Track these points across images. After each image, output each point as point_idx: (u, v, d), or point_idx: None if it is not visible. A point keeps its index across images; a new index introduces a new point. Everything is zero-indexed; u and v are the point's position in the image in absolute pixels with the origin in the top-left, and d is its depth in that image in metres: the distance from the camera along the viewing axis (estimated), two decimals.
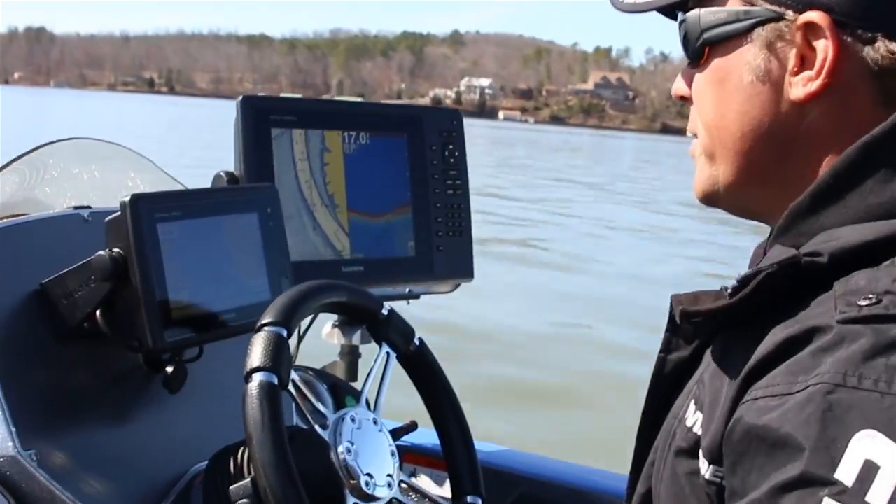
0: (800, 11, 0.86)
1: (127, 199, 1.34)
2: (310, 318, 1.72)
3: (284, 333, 1.27)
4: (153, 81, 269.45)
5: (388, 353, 1.53)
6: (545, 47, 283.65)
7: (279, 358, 1.24)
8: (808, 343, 0.77)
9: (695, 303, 0.92)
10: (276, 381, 1.23)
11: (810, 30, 0.86)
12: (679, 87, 1.00)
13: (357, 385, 1.96)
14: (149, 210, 1.36)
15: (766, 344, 0.80)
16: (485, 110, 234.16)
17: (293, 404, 1.37)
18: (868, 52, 0.84)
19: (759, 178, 0.94)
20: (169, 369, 1.45)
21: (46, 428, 1.35)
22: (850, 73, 0.85)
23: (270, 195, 1.57)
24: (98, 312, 1.39)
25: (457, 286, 2.09)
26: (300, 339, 1.95)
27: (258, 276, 1.53)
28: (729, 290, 0.87)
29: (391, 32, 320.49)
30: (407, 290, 2.04)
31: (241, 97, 1.76)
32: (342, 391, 1.90)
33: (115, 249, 1.35)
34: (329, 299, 1.41)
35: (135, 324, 1.36)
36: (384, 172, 1.93)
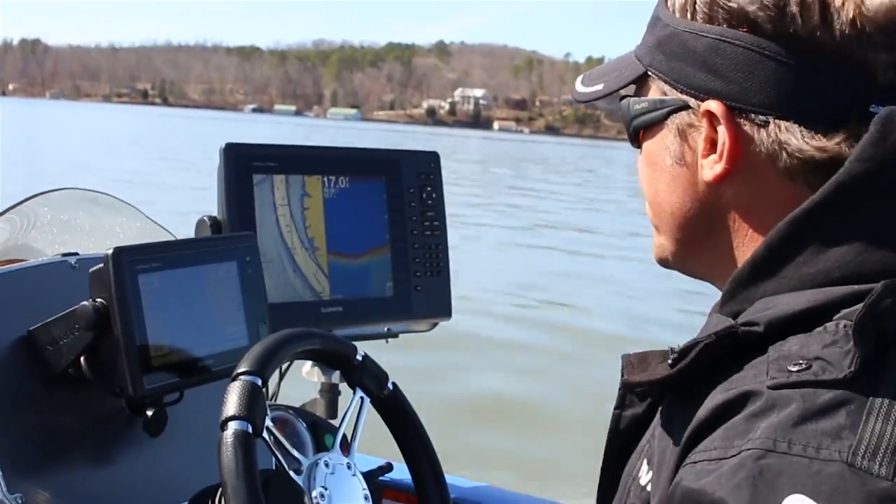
0: (701, 100, 0.92)
1: (110, 252, 1.41)
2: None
3: (259, 382, 1.33)
4: (147, 93, 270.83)
5: (361, 398, 1.58)
6: (536, 58, 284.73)
7: (253, 407, 1.30)
8: (742, 407, 0.80)
9: (643, 363, 0.98)
10: (250, 429, 1.28)
11: (712, 117, 0.91)
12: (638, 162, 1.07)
13: (337, 422, 2.01)
14: (130, 262, 1.42)
15: (705, 408, 0.84)
16: (479, 121, 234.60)
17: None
18: (763, 135, 0.89)
19: (696, 248, 1.00)
20: (150, 413, 1.51)
21: (32, 471, 1.40)
22: (751, 154, 0.90)
23: (249, 244, 1.63)
24: (82, 359, 1.46)
25: (435, 325, 2.14)
26: (281, 377, 2.01)
27: (237, 323, 1.60)
28: (670, 360, 0.91)
29: (374, 43, 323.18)
30: (385, 329, 2.10)
31: (224, 144, 1.82)
32: (321, 429, 1.95)
33: (99, 299, 1.42)
34: (303, 347, 1.46)
35: (116, 371, 1.42)
36: (363, 215, 1.98)
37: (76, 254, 1.60)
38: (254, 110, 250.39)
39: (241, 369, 1.33)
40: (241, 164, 1.82)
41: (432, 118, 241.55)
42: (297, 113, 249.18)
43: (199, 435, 1.61)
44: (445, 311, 2.11)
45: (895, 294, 0.78)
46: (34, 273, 1.55)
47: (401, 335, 2.14)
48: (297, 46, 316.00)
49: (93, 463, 1.51)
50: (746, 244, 0.94)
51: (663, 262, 1.06)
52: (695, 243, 1.00)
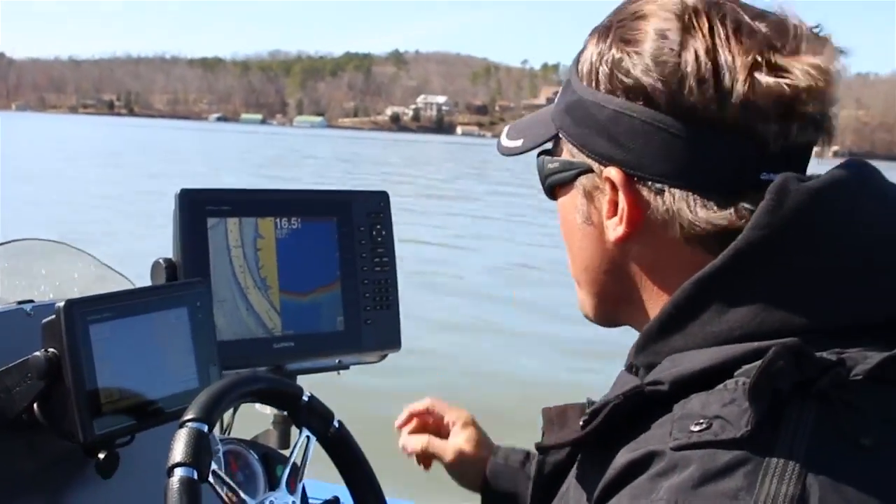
0: (604, 165, 0.98)
1: (61, 304, 1.47)
2: None
3: (205, 429, 1.40)
4: (113, 103, 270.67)
5: (308, 437, 1.65)
6: (493, 65, 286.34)
7: (199, 453, 1.36)
8: (647, 467, 0.83)
9: (562, 418, 1.04)
10: (195, 475, 1.35)
11: (613, 182, 0.97)
12: None
13: (289, 452, 2.07)
14: (81, 314, 1.48)
15: (613, 467, 0.88)
16: (443, 126, 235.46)
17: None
18: (659, 202, 0.94)
19: (612, 302, 1.06)
20: (102, 455, 1.56)
21: None
22: (650, 218, 0.96)
23: (200, 290, 1.70)
24: (35, 405, 1.52)
25: (384, 356, 2.21)
26: (234, 410, 2.07)
27: (187, 366, 1.66)
28: (581, 422, 0.95)
29: (330, 53, 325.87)
30: (337, 361, 2.17)
31: (179, 190, 1.88)
32: (274, 461, 2.01)
33: (51, 350, 1.48)
34: (250, 390, 1.53)
35: (67, 417, 1.48)
36: (315, 254, 2.05)
37: (31, 301, 1.66)
38: (218, 119, 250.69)
39: (188, 416, 1.40)
40: (196, 209, 1.89)
41: (397, 124, 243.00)
42: (264, 121, 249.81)
43: (152, 475, 1.66)
44: (395, 343, 2.18)
45: (787, 356, 0.81)
46: None
47: (352, 367, 2.21)
48: (255, 57, 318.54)
49: None
50: (655, 300, 0.99)
51: (587, 316, 1.11)
52: (610, 297, 1.05)
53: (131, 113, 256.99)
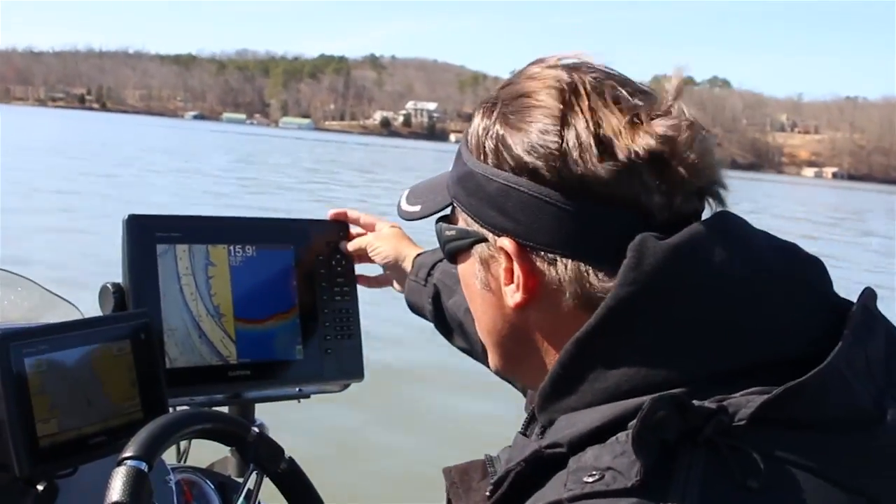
0: (498, 235, 1.00)
1: None
2: None
3: (144, 467, 1.36)
4: (84, 97, 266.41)
5: (256, 474, 1.62)
6: (481, 74, 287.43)
7: (138, 493, 1.33)
8: None
9: (465, 479, 1.05)
10: None
11: (507, 252, 0.99)
12: None
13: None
14: (16, 346, 1.45)
15: None
16: (434, 133, 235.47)
17: None
18: (552, 271, 0.97)
19: (515, 364, 1.08)
20: (40, 488, 1.53)
21: None
22: (546, 285, 0.98)
23: (143, 321, 1.66)
24: None
25: (347, 385, 2.18)
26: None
27: (131, 398, 1.63)
28: (487, 492, 0.97)
29: (300, 55, 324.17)
30: (297, 390, 2.13)
31: (126, 215, 1.85)
32: (230, 490, 1.98)
33: None
34: (193, 428, 1.49)
35: (3, 451, 1.44)
36: (270, 282, 2.02)
37: None
38: (195, 117, 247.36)
39: (126, 454, 1.37)
40: (145, 235, 1.86)
41: (387, 129, 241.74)
42: (247, 122, 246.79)
43: None
44: (358, 373, 2.14)
45: (665, 406, 0.83)
46: None
47: (313, 396, 2.17)
48: (222, 55, 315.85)
49: None
50: (553, 362, 0.99)
51: (496, 373, 1.14)
52: (513, 359, 1.07)
53: (104, 108, 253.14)
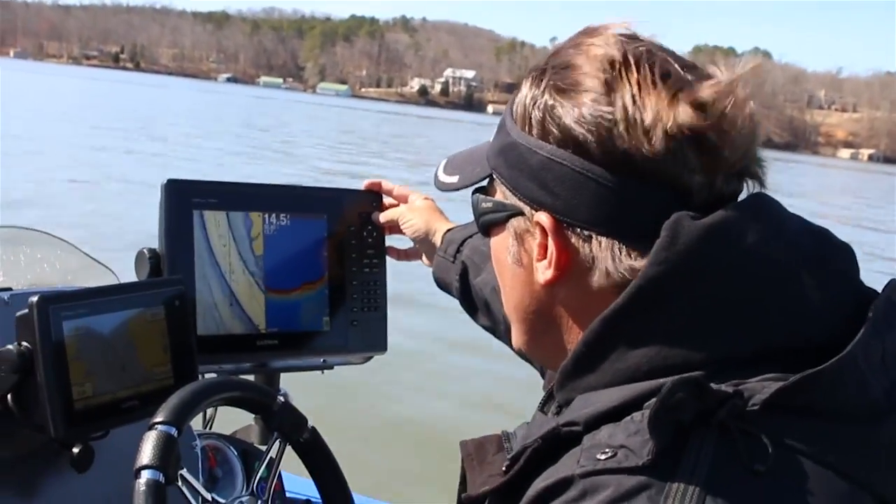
0: (535, 209, 1.00)
1: (34, 299, 1.46)
2: None
3: (174, 432, 1.39)
4: (118, 56, 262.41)
5: (279, 442, 1.65)
6: (518, 41, 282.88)
7: (167, 457, 1.36)
8: (558, 494, 0.87)
9: (480, 452, 1.07)
10: (162, 478, 1.35)
11: (543, 227, 0.99)
12: None
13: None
14: (55, 310, 1.47)
15: (528, 495, 0.92)
16: (472, 103, 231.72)
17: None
18: (587, 248, 0.97)
19: (539, 341, 1.08)
20: (76, 450, 1.56)
21: None
22: (580, 263, 0.98)
23: (178, 288, 1.68)
24: (9, 396, 1.51)
25: (369, 358, 2.20)
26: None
27: (163, 364, 1.65)
28: (504, 467, 0.98)
29: (325, 14, 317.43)
30: (322, 361, 2.15)
31: (165, 180, 1.86)
32: (253, 457, 2.01)
33: (24, 343, 1.47)
34: (221, 395, 1.52)
35: (39, 412, 1.47)
36: (302, 251, 2.03)
37: (10, 289, 1.65)
38: (228, 80, 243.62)
39: (157, 419, 1.40)
40: (182, 200, 1.87)
41: (424, 98, 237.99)
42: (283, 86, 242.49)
43: (127, 469, 1.66)
44: (381, 346, 2.16)
45: (684, 388, 0.84)
46: None
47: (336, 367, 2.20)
48: (248, 13, 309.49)
49: (20, 495, 1.57)
50: (577, 342, 1.00)
51: (518, 352, 1.15)
52: (537, 336, 1.08)
53: (137, 67, 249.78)
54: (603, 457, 0.85)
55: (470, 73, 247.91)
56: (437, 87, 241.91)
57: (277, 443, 1.66)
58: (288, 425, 1.63)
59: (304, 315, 2.04)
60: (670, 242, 0.90)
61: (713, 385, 0.86)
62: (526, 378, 1.70)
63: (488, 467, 1.07)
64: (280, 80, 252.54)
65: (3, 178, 14.70)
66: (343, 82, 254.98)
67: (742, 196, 0.97)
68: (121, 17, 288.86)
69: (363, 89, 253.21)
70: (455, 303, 1.95)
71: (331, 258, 2.07)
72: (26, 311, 1.47)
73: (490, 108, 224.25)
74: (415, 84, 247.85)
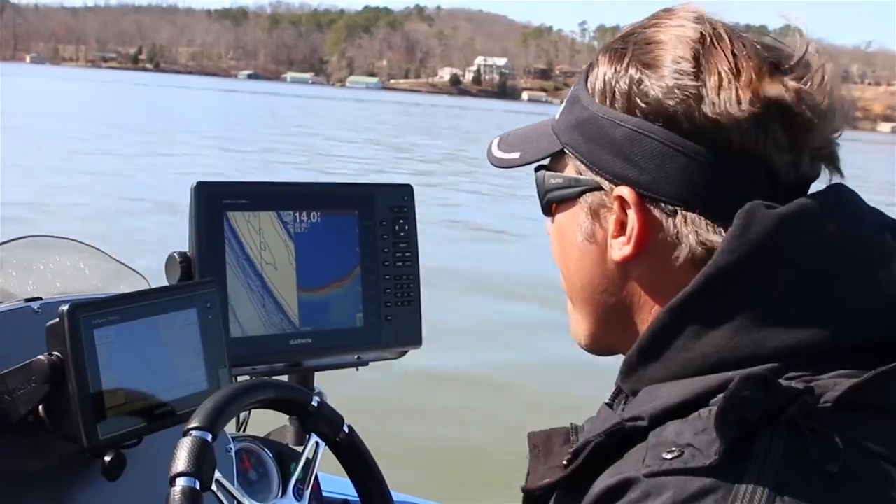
0: (615, 184, 0.97)
1: (65, 308, 1.44)
2: None
3: (209, 437, 1.38)
4: (137, 57, 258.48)
5: (317, 443, 1.63)
6: (545, 26, 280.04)
7: (202, 463, 1.35)
8: (622, 495, 0.85)
9: (547, 446, 1.04)
10: (197, 485, 1.33)
11: (623, 201, 0.96)
12: (547, 229, 1.11)
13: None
14: (86, 318, 1.46)
15: (591, 494, 0.89)
16: (506, 91, 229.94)
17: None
18: (670, 223, 0.94)
19: (605, 323, 1.04)
20: (108, 458, 1.55)
21: None
22: (659, 239, 0.95)
23: (209, 290, 1.67)
24: (40, 407, 1.50)
25: (404, 353, 2.18)
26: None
27: (196, 369, 1.64)
28: (565, 461, 0.96)
29: (333, 6, 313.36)
30: (356, 358, 2.14)
31: (195, 183, 1.85)
32: (288, 459, 1.99)
33: (55, 353, 1.46)
34: (256, 398, 1.51)
35: (71, 421, 1.46)
36: (334, 248, 2.02)
37: (39, 298, 1.64)
38: (249, 76, 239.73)
39: (191, 425, 1.38)
40: (213, 203, 1.86)
41: (457, 87, 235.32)
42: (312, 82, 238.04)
43: (160, 477, 1.65)
44: (416, 340, 2.14)
45: (752, 385, 0.82)
46: None
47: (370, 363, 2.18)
48: (256, 8, 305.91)
49: None
50: (649, 320, 0.98)
51: (580, 344, 1.10)
52: (604, 318, 1.04)
53: (157, 68, 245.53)
54: (669, 456, 0.83)
55: (501, 61, 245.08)
56: (468, 76, 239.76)
57: (314, 444, 1.64)
58: (324, 425, 1.61)
59: (337, 312, 2.02)
60: (742, 231, 0.88)
61: (782, 381, 0.84)
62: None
63: (553, 460, 1.03)
64: (308, 76, 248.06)
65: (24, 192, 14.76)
66: (372, 74, 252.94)
67: (820, 182, 0.96)
68: (130, 18, 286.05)
69: (392, 81, 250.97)
70: None
71: (363, 254, 2.05)
72: (57, 320, 1.45)
73: (525, 95, 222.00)
74: (445, 73, 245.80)
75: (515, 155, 1.11)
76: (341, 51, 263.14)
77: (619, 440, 0.90)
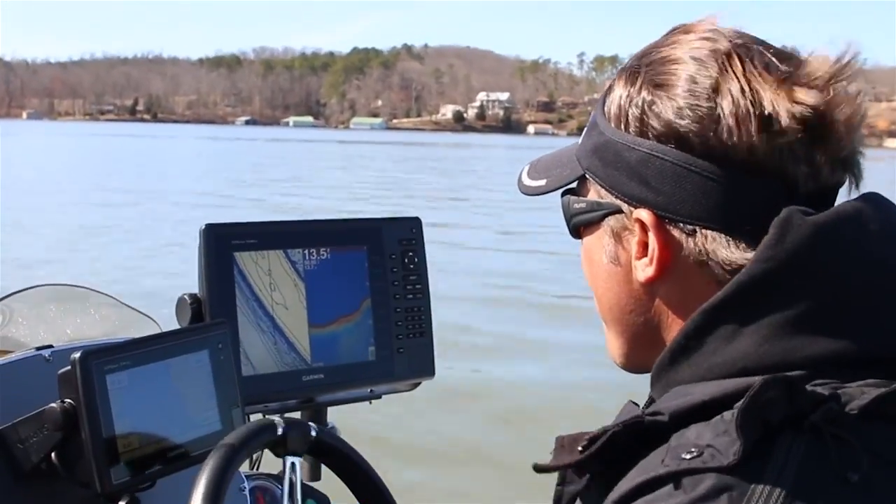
0: (634, 207, 0.98)
1: (77, 355, 1.45)
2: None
3: None
4: (134, 109, 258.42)
5: (292, 463, 1.61)
6: (541, 60, 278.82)
7: None
8: (642, 494, 0.85)
9: (574, 442, 1.02)
10: None
11: (643, 224, 0.97)
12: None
13: (320, 485, 2.05)
14: (98, 364, 1.47)
15: (612, 496, 0.89)
16: (511, 125, 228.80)
17: None
18: (691, 243, 0.95)
19: (636, 342, 1.05)
20: (122, 503, 1.55)
21: None
22: (681, 259, 0.96)
23: (221, 332, 1.67)
24: (53, 454, 1.50)
25: (417, 385, 2.18)
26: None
27: (209, 410, 1.64)
28: (580, 447, 0.94)
29: (318, 49, 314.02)
30: (369, 391, 2.14)
31: (204, 225, 1.86)
32: (303, 494, 1.99)
33: (67, 400, 1.47)
34: (236, 462, 1.46)
35: (85, 468, 1.47)
36: (344, 284, 2.02)
37: (51, 346, 1.65)
38: (247, 122, 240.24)
39: None
40: (221, 244, 1.86)
41: (461, 124, 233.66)
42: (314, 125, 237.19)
43: None
44: (429, 371, 2.14)
45: (774, 388, 0.82)
46: (9, 369, 1.60)
47: (384, 396, 2.18)
48: (239, 54, 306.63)
49: None
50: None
51: (615, 362, 1.10)
52: (635, 337, 1.05)
53: (155, 118, 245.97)
54: (688, 456, 0.83)
55: (504, 95, 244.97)
56: (471, 112, 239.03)
57: (290, 465, 1.61)
58: (294, 442, 1.58)
59: (349, 346, 2.03)
60: (778, 240, 0.88)
61: (808, 387, 0.84)
62: None
63: (576, 454, 1.04)
64: (310, 119, 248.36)
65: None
66: (374, 115, 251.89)
67: (844, 190, 0.96)
68: (118, 70, 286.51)
69: (395, 120, 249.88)
70: None
71: (373, 288, 2.05)
72: (69, 367, 1.46)
73: (531, 129, 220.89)
74: (446, 111, 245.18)
75: (542, 182, 1.13)
76: (341, 93, 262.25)
77: (638, 435, 0.90)
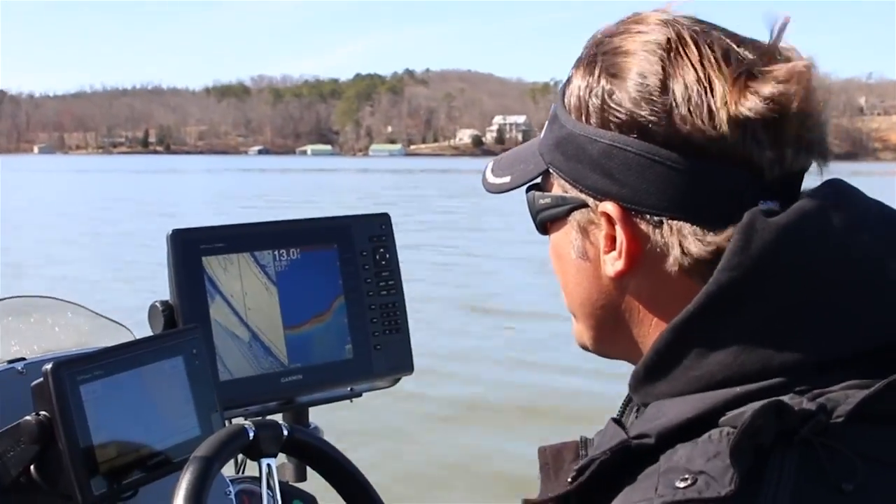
0: (599, 200, 0.96)
1: (49, 367, 1.44)
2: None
3: None
4: (146, 141, 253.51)
5: (268, 465, 1.60)
6: (550, 82, 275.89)
7: None
8: None
9: (557, 459, 1.02)
10: None
11: (609, 217, 0.95)
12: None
13: (306, 485, 2.05)
14: (71, 374, 1.46)
15: None
16: None
17: None
18: (658, 234, 0.93)
19: (608, 335, 1.04)
20: None
21: None
22: (650, 251, 0.94)
23: (194, 337, 1.67)
24: (32, 467, 1.49)
25: (397, 380, 2.18)
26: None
27: (187, 416, 1.63)
28: (570, 477, 0.93)
29: (313, 77, 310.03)
30: (349, 389, 2.13)
31: (170, 231, 1.85)
32: (289, 496, 1.98)
33: (42, 413, 1.45)
34: (213, 472, 1.45)
35: (64, 479, 1.46)
36: (316, 283, 2.01)
37: (23, 359, 1.64)
38: (260, 152, 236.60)
39: None
40: (189, 249, 1.86)
41: (479, 148, 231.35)
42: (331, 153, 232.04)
43: None
44: (407, 366, 2.14)
45: (765, 416, 0.81)
46: None
47: (364, 394, 2.18)
48: (237, 82, 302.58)
49: None
50: (651, 333, 0.98)
51: (583, 347, 1.09)
52: (606, 331, 1.04)
53: (167, 150, 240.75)
54: (682, 484, 0.81)
55: (521, 118, 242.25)
56: (489, 136, 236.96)
57: (265, 466, 1.60)
58: (266, 444, 1.57)
59: (325, 346, 2.02)
60: (743, 246, 0.87)
61: (792, 397, 0.83)
62: None
63: (563, 476, 1.01)
64: (328, 147, 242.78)
65: None
66: (392, 141, 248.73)
67: (812, 175, 0.95)
68: (121, 102, 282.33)
69: (413, 146, 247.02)
70: None
71: (346, 286, 2.05)
72: (41, 379, 1.45)
73: None
74: (464, 135, 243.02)
75: (506, 179, 1.11)
76: (355, 120, 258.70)
77: (625, 458, 0.88)
